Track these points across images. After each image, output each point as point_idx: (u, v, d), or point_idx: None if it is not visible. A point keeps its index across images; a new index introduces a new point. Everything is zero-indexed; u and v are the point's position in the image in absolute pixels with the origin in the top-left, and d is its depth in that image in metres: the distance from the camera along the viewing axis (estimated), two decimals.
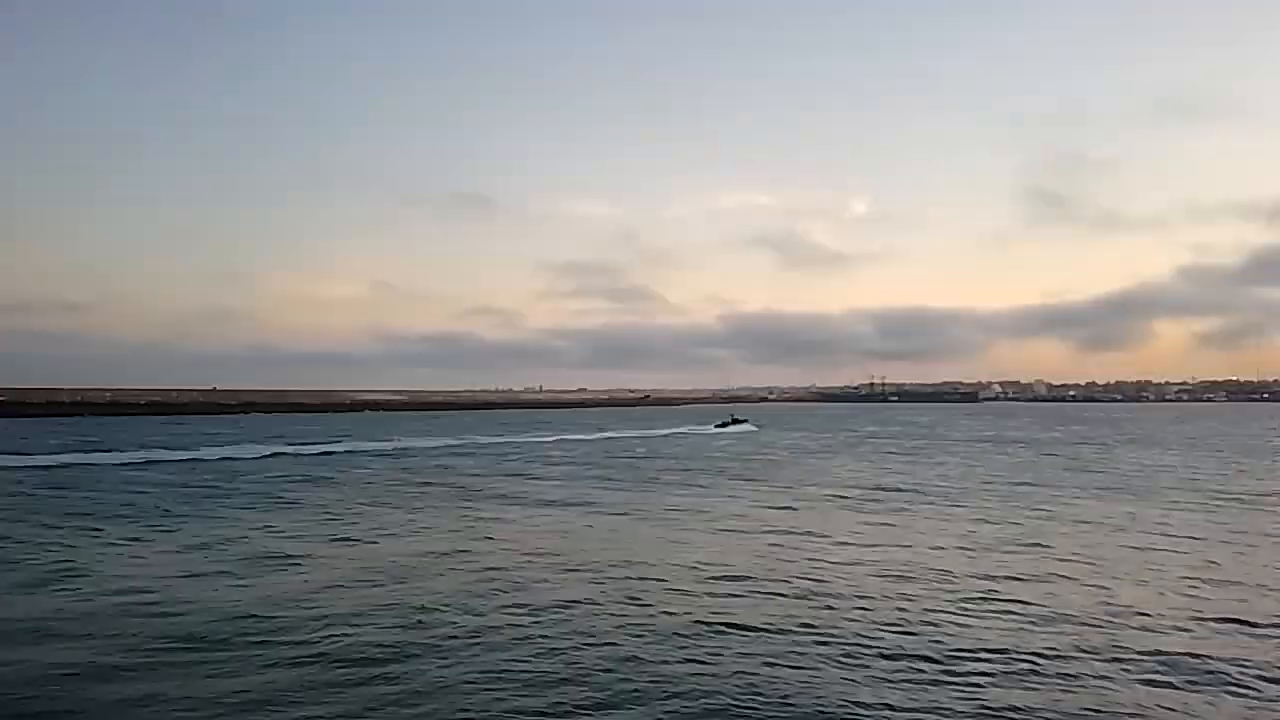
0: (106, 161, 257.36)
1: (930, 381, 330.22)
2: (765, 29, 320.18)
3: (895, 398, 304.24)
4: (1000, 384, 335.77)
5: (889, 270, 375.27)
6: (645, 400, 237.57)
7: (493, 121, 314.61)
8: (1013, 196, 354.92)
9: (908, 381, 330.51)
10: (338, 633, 13.80)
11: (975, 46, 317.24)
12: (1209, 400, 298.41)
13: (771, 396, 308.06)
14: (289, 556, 20.18)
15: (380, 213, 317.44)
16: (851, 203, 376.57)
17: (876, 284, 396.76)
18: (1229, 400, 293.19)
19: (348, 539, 22.76)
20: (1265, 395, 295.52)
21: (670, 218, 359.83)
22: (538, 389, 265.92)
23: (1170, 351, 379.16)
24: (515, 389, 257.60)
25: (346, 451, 54.89)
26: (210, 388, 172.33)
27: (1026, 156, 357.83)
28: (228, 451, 52.22)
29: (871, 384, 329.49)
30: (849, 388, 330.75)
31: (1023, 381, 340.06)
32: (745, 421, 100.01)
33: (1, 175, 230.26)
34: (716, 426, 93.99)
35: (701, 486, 35.74)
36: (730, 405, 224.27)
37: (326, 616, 14.73)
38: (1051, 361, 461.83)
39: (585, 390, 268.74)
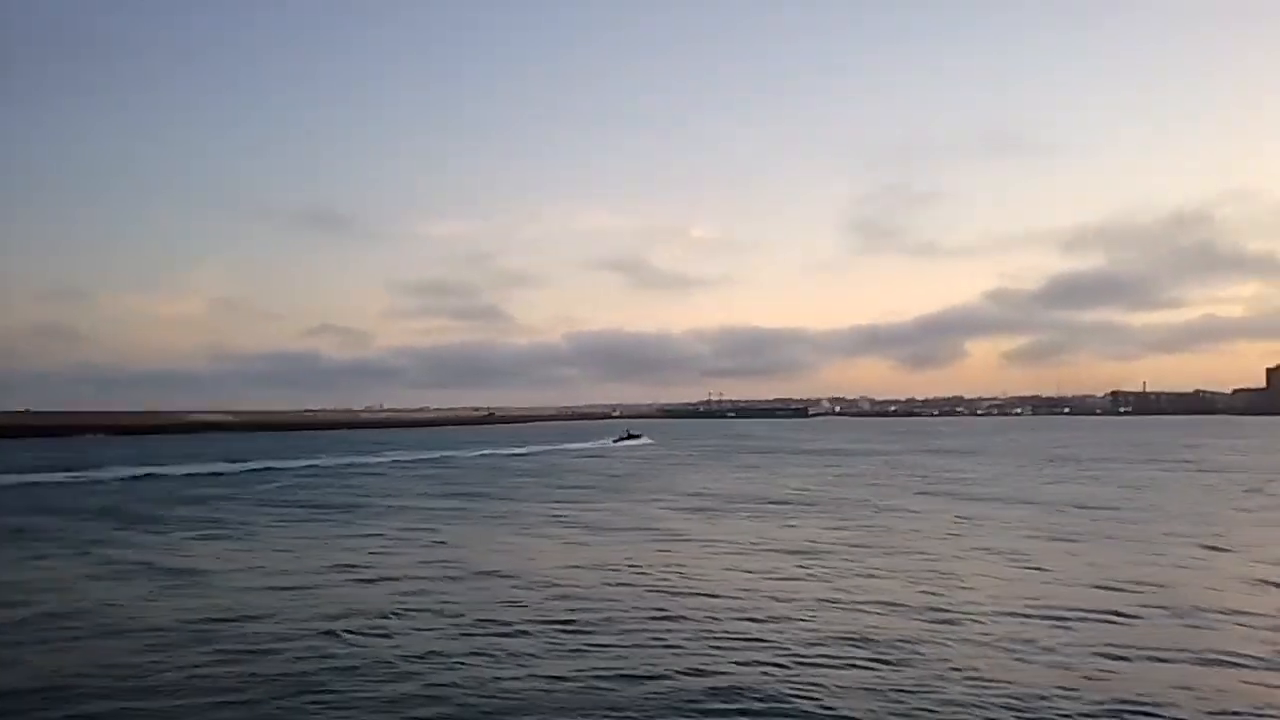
0: None
1: (765, 398, 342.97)
2: (621, 57, 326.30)
3: (732, 414, 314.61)
4: (829, 399, 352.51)
5: (728, 292, 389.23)
6: (490, 419, 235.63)
7: (347, 137, 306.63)
8: (846, 225, 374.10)
9: (744, 398, 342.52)
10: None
11: (822, 80, 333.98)
12: (1017, 414, 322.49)
13: (615, 413, 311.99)
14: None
15: (226, 229, 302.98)
16: (695, 227, 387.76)
17: (716, 305, 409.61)
18: (1034, 414, 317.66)
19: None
20: (1066, 409, 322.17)
21: (524, 239, 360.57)
22: (379, 407, 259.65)
23: (982, 369, 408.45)
24: (356, 409, 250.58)
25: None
26: (23, 409, 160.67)
27: (859, 188, 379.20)
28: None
29: (709, 400, 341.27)
30: (689, 404, 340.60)
31: (848, 398, 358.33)
32: (641, 436, 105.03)
33: None
34: (615, 440, 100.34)
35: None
36: (577, 422, 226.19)
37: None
38: (876, 379, 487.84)
39: (427, 409, 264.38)
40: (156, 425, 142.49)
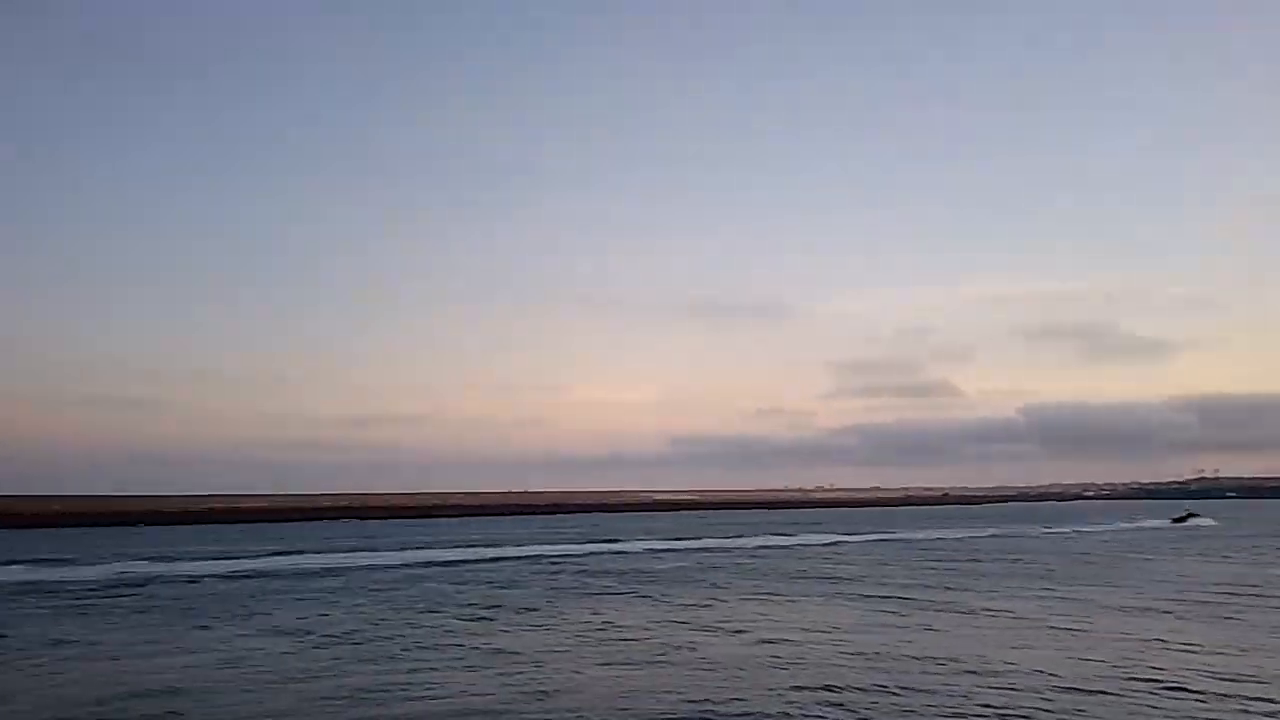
0: (430, 297, 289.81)
1: (1263, 474, 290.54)
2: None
3: (1233, 494, 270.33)
4: None
5: (1209, 356, 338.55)
6: (945, 499, 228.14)
7: (781, 229, 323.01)
8: None
9: (1245, 475, 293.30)
10: None
11: None
12: None
13: (1089, 494, 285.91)
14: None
15: (667, 323, 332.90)
16: (1164, 286, 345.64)
17: (1195, 370, 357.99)
18: None
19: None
20: None
21: (962, 309, 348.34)
22: (829, 486, 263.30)
23: None
24: (806, 488, 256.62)
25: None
26: (521, 490, 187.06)
27: None
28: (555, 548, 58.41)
29: (1201, 477, 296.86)
30: (1175, 482, 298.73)
31: None
32: (1197, 516, 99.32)
33: (364, 316, 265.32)
34: (1174, 520, 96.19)
35: None
36: (1039, 504, 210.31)
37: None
38: None
39: (878, 489, 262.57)
40: (625, 504, 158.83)
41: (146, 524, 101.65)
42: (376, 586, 38.11)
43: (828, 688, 17.77)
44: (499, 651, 22.32)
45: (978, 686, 17.69)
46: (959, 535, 75.14)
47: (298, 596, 34.91)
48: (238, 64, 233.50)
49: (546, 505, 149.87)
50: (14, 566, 46.94)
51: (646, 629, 25.61)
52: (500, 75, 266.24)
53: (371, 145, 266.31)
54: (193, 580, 40.98)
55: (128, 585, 39.01)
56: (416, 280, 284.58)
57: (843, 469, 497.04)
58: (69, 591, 36.57)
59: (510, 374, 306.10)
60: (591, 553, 56.80)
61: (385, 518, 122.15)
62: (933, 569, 44.48)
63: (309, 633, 25.69)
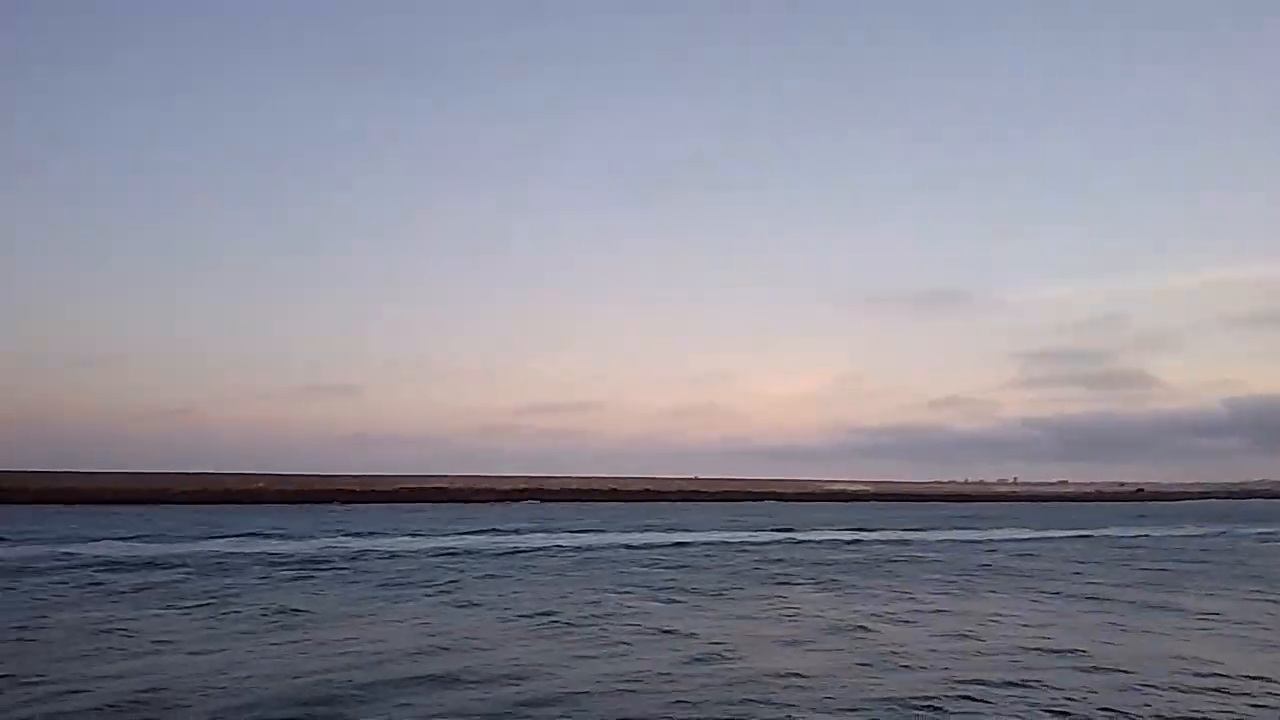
0: (606, 286, 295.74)
1: None
2: None
3: None
4: None
5: None
6: (1139, 495, 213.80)
7: (962, 217, 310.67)
8: None
9: None
10: None
11: None
12: None
13: None
14: None
15: (842, 312, 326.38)
16: None
17: None
18: None
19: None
20: None
21: (1161, 296, 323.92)
22: (1011, 480, 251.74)
23: None
24: (987, 481, 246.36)
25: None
26: (691, 476, 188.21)
27: None
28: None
29: None
30: None
31: None
32: None
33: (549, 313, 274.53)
34: None
35: None
36: (1245, 501, 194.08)
37: None
38: None
39: (1066, 483, 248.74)
40: (797, 494, 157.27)
41: (341, 502, 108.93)
42: (568, 567, 39.47)
43: (1025, 683, 17.13)
44: (695, 635, 22.64)
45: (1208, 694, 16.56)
46: (1160, 533, 70.17)
47: (490, 574, 36.56)
48: (444, 64, 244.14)
49: (717, 493, 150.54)
50: (223, 540, 51.12)
51: (841, 617, 25.36)
52: (673, 75, 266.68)
53: (546, 140, 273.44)
54: (393, 556, 43.61)
55: (338, 559, 41.92)
56: (593, 272, 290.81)
57: (1026, 463, 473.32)
58: (284, 564, 39.57)
59: (684, 363, 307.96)
60: (772, 541, 56.65)
61: (563, 500, 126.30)
62: (1138, 567, 41.81)
63: (531, 614, 26.81)
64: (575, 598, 29.25)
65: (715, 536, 58.57)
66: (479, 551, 46.36)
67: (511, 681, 17.30)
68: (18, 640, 21.27)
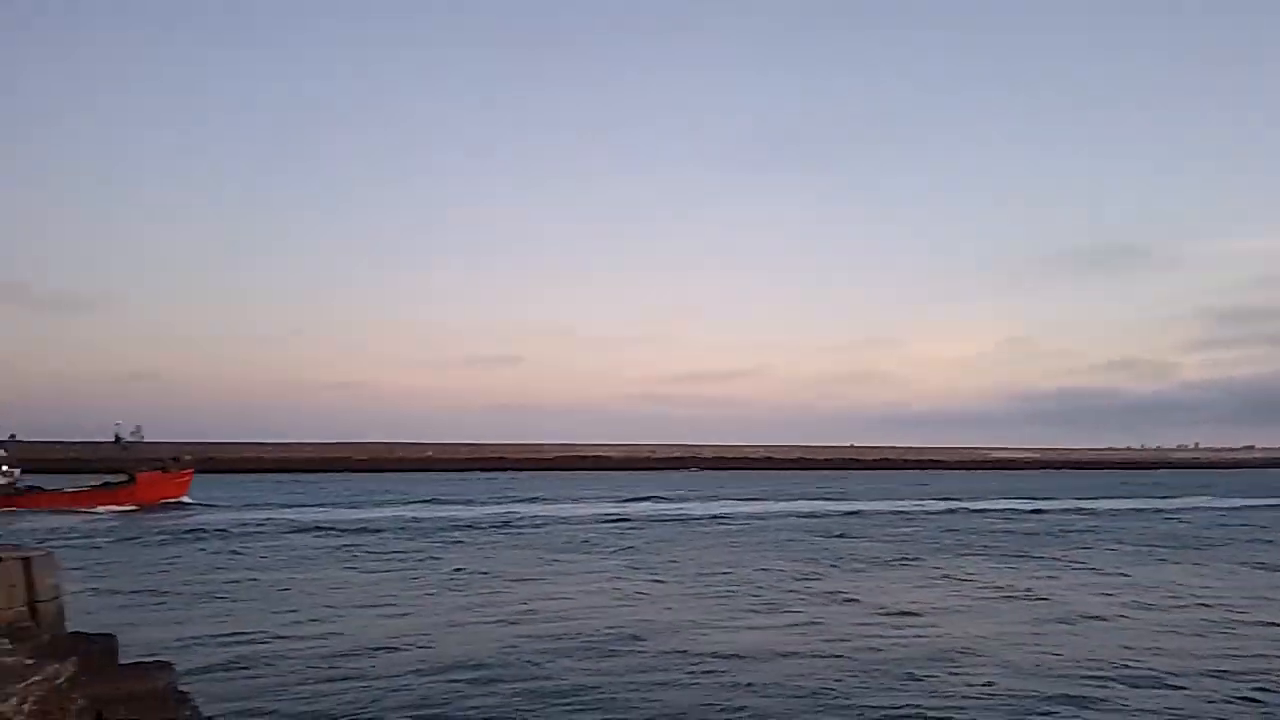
0: (759, 253, 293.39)
1: None
2: None
3: None
4: None
5: None
6: None
7: (1128, 169, 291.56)
8: None
9: None
10: None
11: None
12: None
13: None
14: None
15: (1008, 271, 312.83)
16: None
17: None
18: None
19: None
20: None
21: None
22: (1191, 446, 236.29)
23: None
24: (1165, 447, 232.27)
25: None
26: (848, 444, 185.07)
27: None
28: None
29: None
30: None
31: None
32: None
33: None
34: None
35: None
36: None
37: None
38: None
39: (1253, 448, 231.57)
40: (970, 461, 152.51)
41: (506, 469, 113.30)
42: (740, 534, 40.23)
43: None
44: (909, 611, 22.87)
45: None
46: None
47: (663, 538, 37.69)
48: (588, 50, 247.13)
49: (876, 461, 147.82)
50: (409, 506, 54.35)
51: (1027, 586, 25.00)
52: (829, 29, 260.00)
53: (694, 101, 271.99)
54: (564, 521, 45.50)
55: (519, 523, 44.15)
56: (744, 236, 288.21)
57: (1210, 426, 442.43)
58: (469, 527, 41.93)
59: (839, 328, 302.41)
60: (944, 510, 55.61)
61: (719, 469, 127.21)
62: None
63: (709, 573, 27.71)
64: (750, 564, 29.93)
65: (882, 505, 57.96)
66: (644, 518, 47.68)
67: (697, 647, 18.07)
68: (280, 591, 23.90)
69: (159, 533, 38.34)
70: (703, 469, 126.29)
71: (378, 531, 39.73)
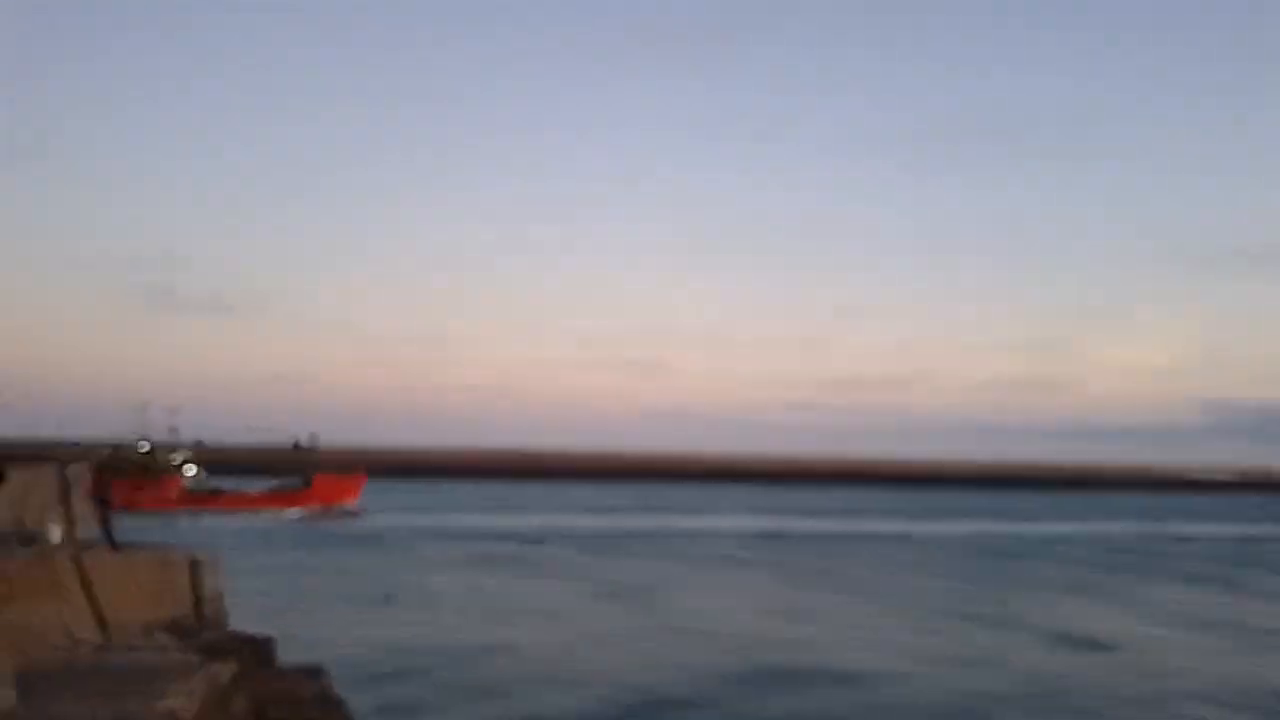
0: (934, 251, 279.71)
1: None
2: None
3: None
4: None
5: None
6: None
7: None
8: None
9: None
10: None
11: None
12: None
13: None
14: None
15: (1202, 270, 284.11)
16: None
17: None
18: None
19: None
20: None
21: None
22: None
23: None
24: None
25: None
26: (1023, 461, 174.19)
27: None
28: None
29: None
30: None
31: None
32: None
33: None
34: None
35: None
36: None
37: None
38: None
39: None
40: (1152, 479, 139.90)
41: (647, 477, 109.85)
42: (917, 555, 37.68)
43: None
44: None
45: None
46: None
47: (822, 557, 35.56)
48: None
49: (1067, 477, 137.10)
50: (574, 515, 54.30)
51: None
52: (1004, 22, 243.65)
53: (851, 95, 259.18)
54: (715, 536, 43.80)
55: (668, 535, 43.39)
56: (896, 231, 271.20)
57: None
58: (619, 539, 41.07)
59: (1017, 332, 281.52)
60: (1147, 534, 50.90)
61: (875, 481, 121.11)
62: None
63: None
64: (940, 591, 27.39)
65: (1078, 527, 53.30)
66: (796, 535, 45.65)
67: (871, 683, 16.39)
68: (443, 600, 23.85)
69: (330, 536, 38.94)
70: (856, 481, 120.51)
71: (538, 543, 39.21)
